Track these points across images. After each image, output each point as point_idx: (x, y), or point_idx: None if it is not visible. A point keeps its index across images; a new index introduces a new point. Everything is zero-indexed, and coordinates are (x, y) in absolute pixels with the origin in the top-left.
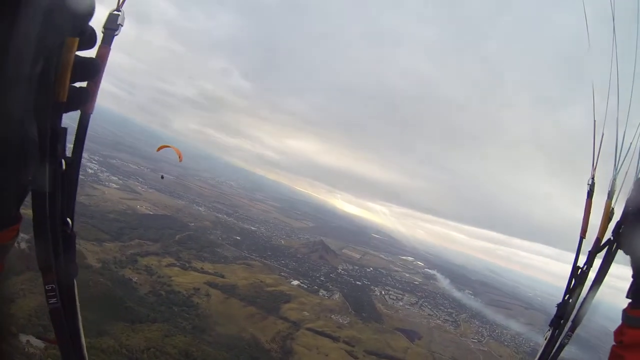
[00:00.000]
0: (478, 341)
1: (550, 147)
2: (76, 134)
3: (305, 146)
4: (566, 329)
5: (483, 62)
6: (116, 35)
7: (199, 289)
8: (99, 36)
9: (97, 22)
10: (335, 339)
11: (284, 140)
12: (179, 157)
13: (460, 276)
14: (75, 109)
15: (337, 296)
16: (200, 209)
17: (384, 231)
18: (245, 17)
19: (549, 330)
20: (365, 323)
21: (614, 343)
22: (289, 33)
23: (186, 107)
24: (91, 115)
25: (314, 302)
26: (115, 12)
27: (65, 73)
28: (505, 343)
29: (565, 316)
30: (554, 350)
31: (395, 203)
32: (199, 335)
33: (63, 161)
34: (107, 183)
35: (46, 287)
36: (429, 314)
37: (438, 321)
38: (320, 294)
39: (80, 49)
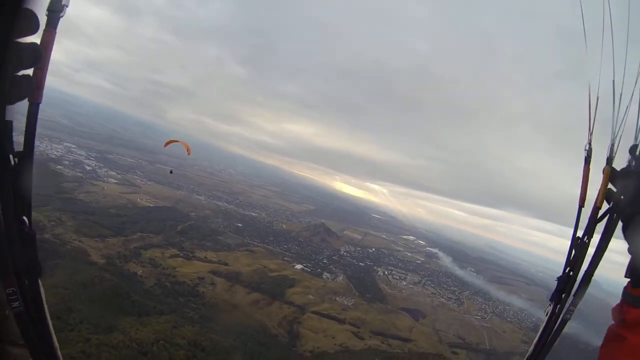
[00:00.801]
0: (482, 318)
1: (550, 122)
2: (26, 126)
3: (302, 130)
4: (568, 303)
5: (479, 38)
6: (61, 17)
7: (203, 278)
8: (43, 19)
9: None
10: (341, 321)
11: (281, 125)
12: (187, 151)
13: (461, 254)
14: (20, 99)
15: (340, 278)
16: (200, 198)
17: (384, 211)
18: (236, 2)
19: (550, 305)
20: (369, 304)
21: (612, 322)
22: (282, 15)
23: (181, 97)
24: (40, 105)
25: (318, 285)
26: None
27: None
28: (508, 319)
29: (567, 290)
30: (555, 326)
31: (394, 182)
32: (206, 325)
33: (11, 156)
34: (105, 178)
35: (7, 291)
36: (432, 293)
37: (442, 299)
38: (324, 276)
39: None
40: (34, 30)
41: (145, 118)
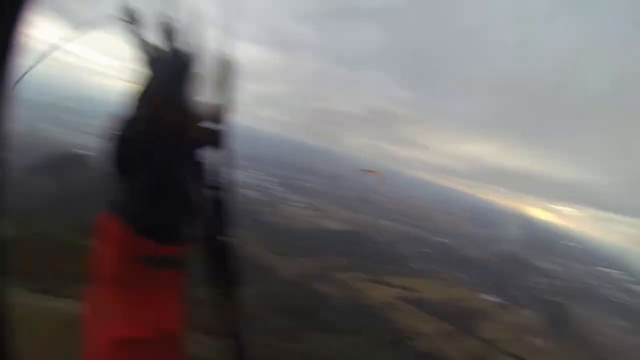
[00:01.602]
0: None
1: None
2: (216, 166)
3: (481, 150)
4: None
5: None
6: None
7: (390, 303)
8: None
9: None
10: None
11: (458, 146)
12: (379, 182)
13: None
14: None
15: (534, 314)
16: (386, 223)
17: (580, 238)
18: (387, 26)
19: None
20: (564, 346)
21: None
22: (440, 31)
23: (353, 122)
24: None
25: (509, 321)
26: None
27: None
28: None
29: None
30: None
31: (588, 205)
32: (390, 350)
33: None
34: (291, 203)
35: None
36: None
37: None
38: (516, 310)
39: None
40: None
41: (321, 145)
